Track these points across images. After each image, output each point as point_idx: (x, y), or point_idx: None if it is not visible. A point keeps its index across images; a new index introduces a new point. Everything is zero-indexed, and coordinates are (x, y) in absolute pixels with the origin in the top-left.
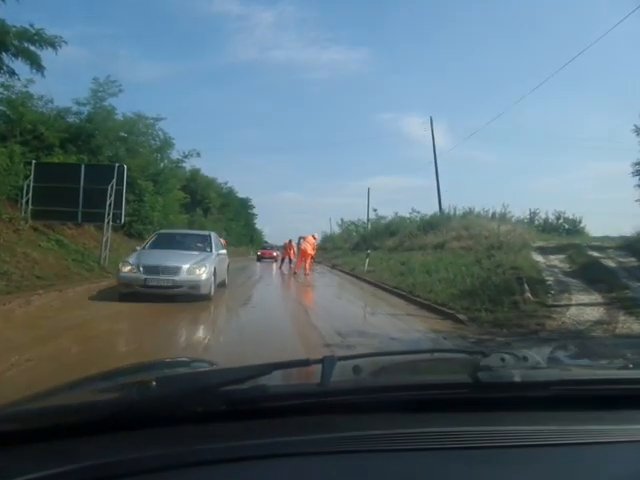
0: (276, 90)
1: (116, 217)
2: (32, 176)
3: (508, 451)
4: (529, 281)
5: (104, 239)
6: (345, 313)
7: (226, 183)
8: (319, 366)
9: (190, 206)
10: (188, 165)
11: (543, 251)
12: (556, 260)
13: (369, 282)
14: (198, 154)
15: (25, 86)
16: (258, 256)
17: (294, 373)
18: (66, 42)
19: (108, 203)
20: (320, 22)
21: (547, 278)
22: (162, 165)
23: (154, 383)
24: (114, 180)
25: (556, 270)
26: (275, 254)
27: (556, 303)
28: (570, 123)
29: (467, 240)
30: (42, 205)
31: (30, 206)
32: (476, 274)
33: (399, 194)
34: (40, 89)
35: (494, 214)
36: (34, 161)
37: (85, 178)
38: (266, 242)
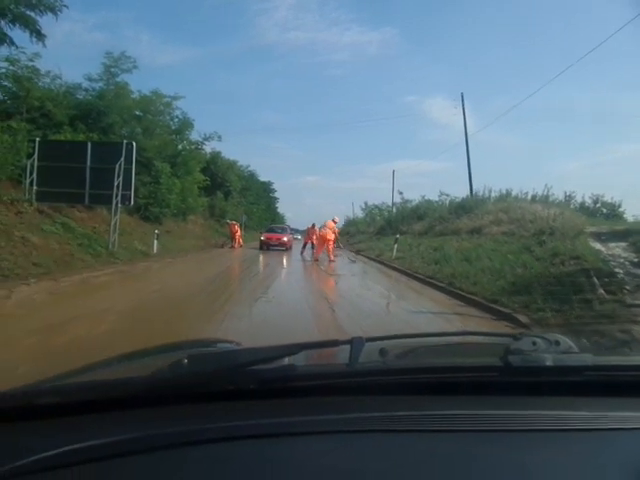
0: (297, 72)
1: (125, 199)
2: (36, 155)
3: (537, 435)
4: (597, 274)
5: (112, 222)
6: (377, 310)
7: (247, 166)
8: (347, 347)
9: (210, 189)
10: (209, 148)
11: (598, 237)
12: (617, 249)
13: (399, 270)
14: (219, 137)
15: (31, 60)
16: (261, 242)
17: (322, 353)
18: (67, 6)
19: (116, 183)
20: (342, 2)
21: (616, 270)
22: (180, 147)
23: (186, 361)
24: (122, 158)
25: (622, 260)
26: (286, 239)
27: (637, 302)
28: (601, 103)
29: (508, 224)
30: (47, 186)
31: (35, 187)
32: (528, 264)
33: (422, 178)
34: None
35: (534, 197)
36: (38, 139)
37: (92, 157)
38: (273, 223)
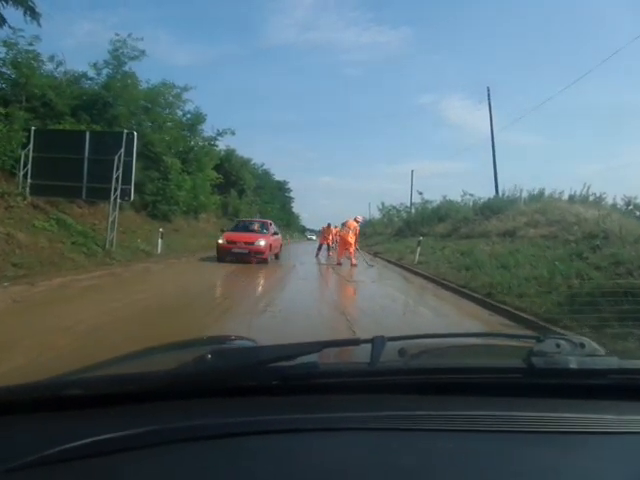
0: (315, 72)
1: (125, 194)
2: (31, 145)
3: (561, 437)
4: None
5: (110, 219)
6: (408, 331)
7: (262, 165)
8: (369, 346)
9: (224, 187)
10: (222, 145)
11: None
12: None
13: (425, 277)
14: (233, 133)
15: (30, 44)
16: (219, 248)
17: (344, 352)
18: None
19: (115, 177)
20: (361, 2)
21: None
22: (193, 143)
23: (209, 356)
24: (122, 150)
25: None
26: (263, 243)
27: None
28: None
29: (546, 227)
30: (42, 179)
31: (29, 180)
32: (585, 273)
33: (440, 178)
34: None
35: (572, 196)
36: (33, 128)
37: (90, 148)
38: (288, 224)
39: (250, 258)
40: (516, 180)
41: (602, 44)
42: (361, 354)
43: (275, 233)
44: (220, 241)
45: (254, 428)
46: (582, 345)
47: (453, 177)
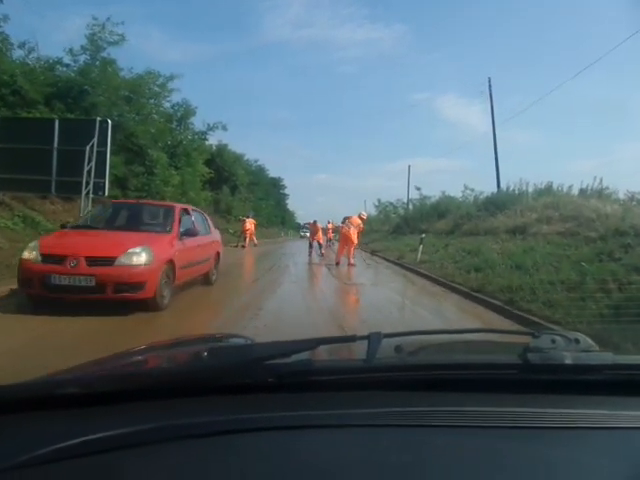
0: (309, 69)
1: (98, 188)
2: None
3: (556, 432)
4: None
5: (82, 216)
6: None
7: (256, 161)
8: (365, 342)
9: (216, 183)
10: (214, 140)
11: None
12: None
13: (430, 278)
14: (224, 127)
15: None
16: (23, 273)
17: (340, 349)
18: None
19: (86, 169)
20: None
21: None
22: (182, 137)
23: (205, 354)
24: (95, 139)
25: None
26: (143, 260)
27: None
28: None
29: (562, 223)
30: (7, 172)
31: None
32: (622, 277)
33: (437, 175)
34: None
35: (584, 190)
36: None
37: (60, 137)
38: (284, 222)
39: (103, 297)
40: (513, 176)
41: (602, 42)
42: (357, 351)
43: (204, 231)
44: (27, 255)
45: (250, 425)
46: (577, 341)
47: (449, 174)
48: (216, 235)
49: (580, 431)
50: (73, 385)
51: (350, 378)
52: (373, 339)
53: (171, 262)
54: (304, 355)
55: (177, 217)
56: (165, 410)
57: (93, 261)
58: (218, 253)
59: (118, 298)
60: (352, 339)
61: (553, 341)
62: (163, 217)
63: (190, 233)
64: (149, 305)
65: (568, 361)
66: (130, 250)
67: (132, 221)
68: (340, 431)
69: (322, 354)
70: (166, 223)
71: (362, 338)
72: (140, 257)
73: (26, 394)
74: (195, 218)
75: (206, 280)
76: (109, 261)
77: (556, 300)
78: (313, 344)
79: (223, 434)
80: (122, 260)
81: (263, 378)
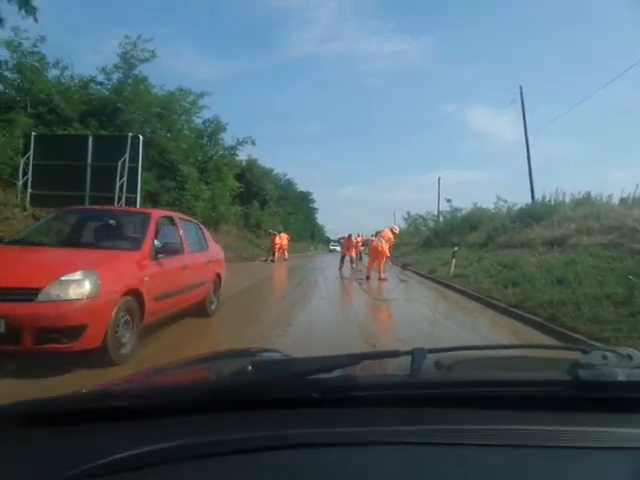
0: (336, 82)
1: (130, 202)
2: (31, 151)
3: (608, 452)
4: None
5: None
6: None
7: (285, 175)
8: (409, 358)
9: (246, 198)
10: (244, 155)
11: None
12: None
13: (465, 293)
14: (253, 142)
15: (35, 45)
16: None
17: (383, 364)
18: None
19: (118, 185)
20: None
21: None
22: (212, 152)
23: (250, 368)
24: (127, 155)
25: None
26: (87, 291)
27: None
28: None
29: (603, 234)
30: (43, 188)
31: (29, 189)
32: None
33: (466, 187)
34: None
35: (625, 199)
36: (33, 133)
37: (93, 153)
38: (314, 236)
39: (18, 349)
40: (547, 187)
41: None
42: (400, 366)
43: (197, 247)
44: None
45: (293, 441)
46: (630, 357)
47: (479, 185)
48: (216, 252)
49: (634, 451)
50: (122, 399)
51: (394, 394)
52: (417, 355)
53: (136, 292)
54: (347, 370)
55: (152, 228)
56: (208, 425)
57: (3, 295)
58: (219, 275)
59: (43, 350)
60: (395, 354)
61: (604, 357)
62: (133, 228)
63: (171, 250)
64: (96, 359)
65: (620, 377)
66: (64, 277)
67: (90, 234)
68: (384, 448)
69: (365, 369)
70: (135, 237)
71: (406, 354)
72: (79, 287)
73: (79, 406)
74: (184, 230)
75: (202, 310)
76: (28, 294)
77: (603, 316)
78: (356, 359)
79: (266, 450)
80: (50, 292)
81: (307, 393)
